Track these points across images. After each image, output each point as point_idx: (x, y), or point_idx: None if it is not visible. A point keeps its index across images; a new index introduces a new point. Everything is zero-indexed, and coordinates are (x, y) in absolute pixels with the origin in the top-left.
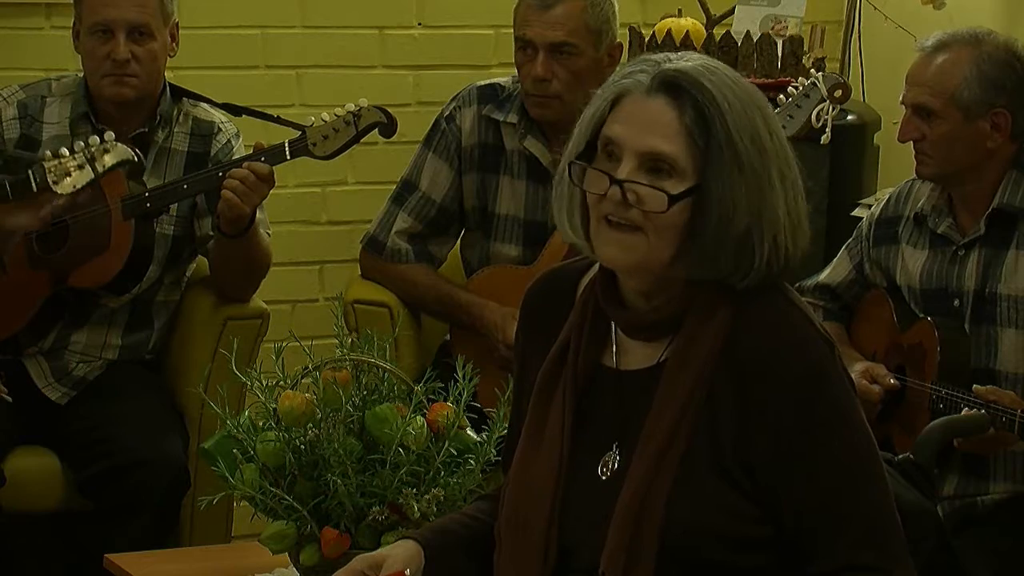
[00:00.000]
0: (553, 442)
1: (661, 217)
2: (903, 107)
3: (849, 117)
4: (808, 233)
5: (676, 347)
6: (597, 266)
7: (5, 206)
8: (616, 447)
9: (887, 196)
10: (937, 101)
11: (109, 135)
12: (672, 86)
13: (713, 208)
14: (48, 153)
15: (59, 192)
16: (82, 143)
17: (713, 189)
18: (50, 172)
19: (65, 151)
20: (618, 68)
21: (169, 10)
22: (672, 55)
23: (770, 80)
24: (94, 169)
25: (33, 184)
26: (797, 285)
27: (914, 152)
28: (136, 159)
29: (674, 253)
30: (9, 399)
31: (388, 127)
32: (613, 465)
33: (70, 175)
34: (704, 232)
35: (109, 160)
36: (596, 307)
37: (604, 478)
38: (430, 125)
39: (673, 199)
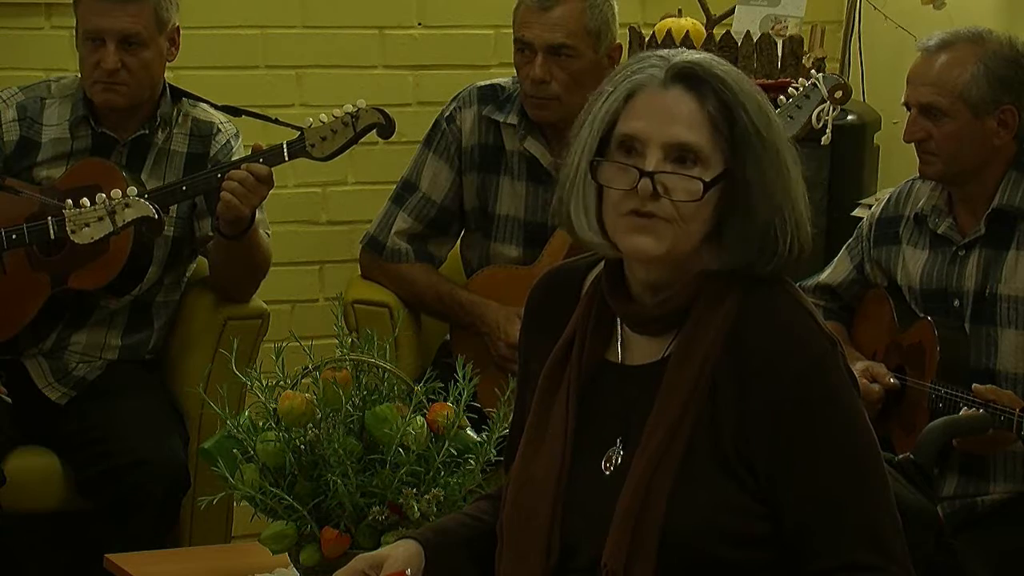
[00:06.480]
0: (556, 438)
1: (691, 206)
2: (905, 107)
3: (849, 117)
4: (809, 222)
5: (680, 342)
6: (603, 263)
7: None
8: (620, 442)
9: (887, 196)
10: (945, 100)
11: (131, 190)
12: (689, 77)
13: (747, 194)
14: (69, 202)
15: (77, 242)
16: (104, 195)
17: (746, 174)
18: (69, 221)
19: (86, 202)
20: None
21: (165, 17)
22: (674, 50)
23: (770, 80)
24: (113, 222)
25: (51, 232)
26: (798, 285)
27: (918, 152)
28: (156, 217)
29: (700, 242)
30: (9, 399)
31: (386, 128)
32: (616, 460)
33: (89, 226)
34: (736, 218)
35: (130, 214)
36: (601, 302)
37: (607, 473)
38: (430, 125)
39: (708, 186)
